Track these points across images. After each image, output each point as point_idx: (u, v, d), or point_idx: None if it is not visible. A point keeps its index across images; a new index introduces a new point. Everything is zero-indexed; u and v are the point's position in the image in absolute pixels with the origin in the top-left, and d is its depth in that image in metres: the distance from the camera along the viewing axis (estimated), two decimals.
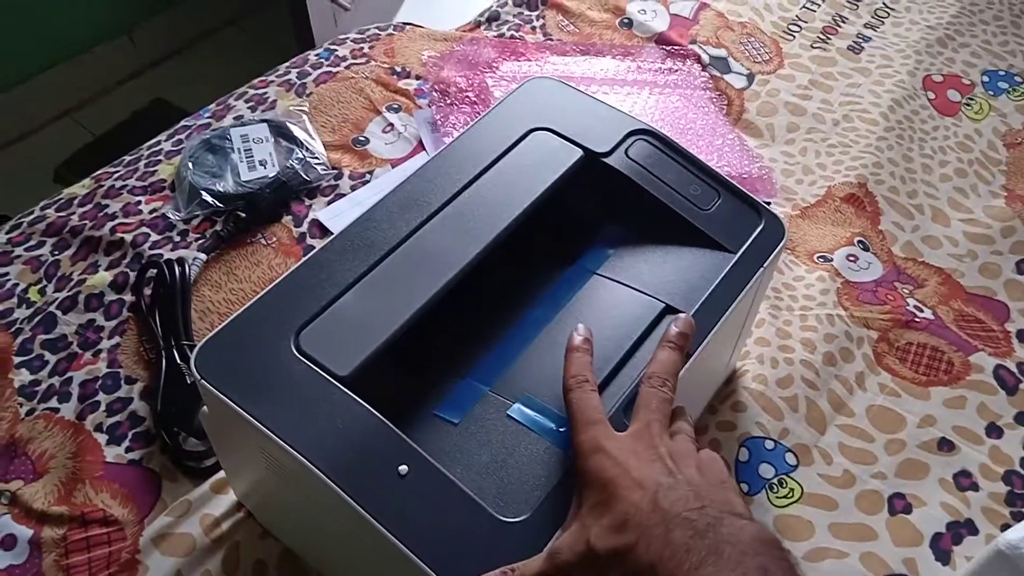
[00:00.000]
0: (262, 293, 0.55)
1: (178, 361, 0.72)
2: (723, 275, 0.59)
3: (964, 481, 0.69)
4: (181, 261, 0.78)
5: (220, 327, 0.53)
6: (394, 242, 0.57)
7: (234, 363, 0.52)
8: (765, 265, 0.60)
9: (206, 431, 0.59)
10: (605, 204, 0.64)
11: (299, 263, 0.57)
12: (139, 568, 0.63)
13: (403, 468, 0.48)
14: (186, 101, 1.96)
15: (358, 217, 0.59)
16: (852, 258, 0.83)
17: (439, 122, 0.91)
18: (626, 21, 1.08)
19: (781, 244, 0.61)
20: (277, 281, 0.55)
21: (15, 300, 0.79)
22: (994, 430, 0.72)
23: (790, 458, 0.69)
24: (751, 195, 0.63)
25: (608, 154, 0.63)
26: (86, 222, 0.85)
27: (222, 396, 0.50)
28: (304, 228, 0.84)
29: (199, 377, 0.51)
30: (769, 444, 0.69)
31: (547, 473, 0.50)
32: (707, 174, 0.64)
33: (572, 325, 0.58)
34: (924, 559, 0.64)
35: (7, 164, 1.86)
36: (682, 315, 0.55)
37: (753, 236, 0.61)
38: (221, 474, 0.67)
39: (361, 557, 0.54)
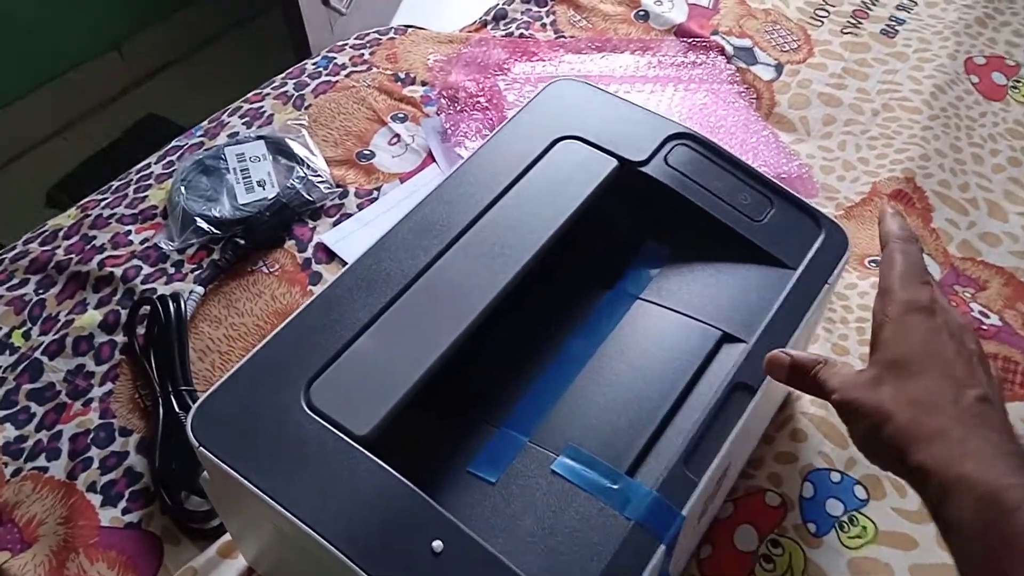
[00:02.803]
0: (265, 340, 0.48)
1: (176, 410, 0.66)
2: (785, 295, 0.52)
3: None
4: (176, 296, 0.71)
5: (219, 383, 0.47)
6: (412, 274, 0.50)
7: (236, 424, 0.45)
8: (830, 281, 0.53)
9: (208, 497, 0.53)
10: (645, 219, 0.57)
11: (306, 304, 0.50)
12: None
13: (437, 544, 0.41)
14: (179, 115, 1.90)
15: (370, 247, 0.52)
16: None
17: (449, 131, 0.84)
18: (642, 13, 1.01)
19: (846, 256, 0.55)
20: (281, 326, 0.49)
21: None
22: None
23: (859, 491, 0.62)
24: (807, 202, 0.56)
25: (645, 162, 0.56)
26: (72, 256, 0.78)
27: (223, 465, 0.44)
28: (309, 253, 0.78)
29: (196, 443, 0.44)
30: (835, 476, 0.62)
31: (603, 539, 0.43)
32: (757, 180, 0.57)
33: (617, 359, 0.51)
34: None
35: None
36: (889, 211, 0.48)
37: (814, 249, 0.54)
38: (228, 536, 0.61)
39: None
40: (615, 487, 0.45)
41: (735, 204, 0.56)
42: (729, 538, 0.59)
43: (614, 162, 0.56)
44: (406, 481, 0.43)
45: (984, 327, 0.72)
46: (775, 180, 0.57)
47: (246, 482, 0.43)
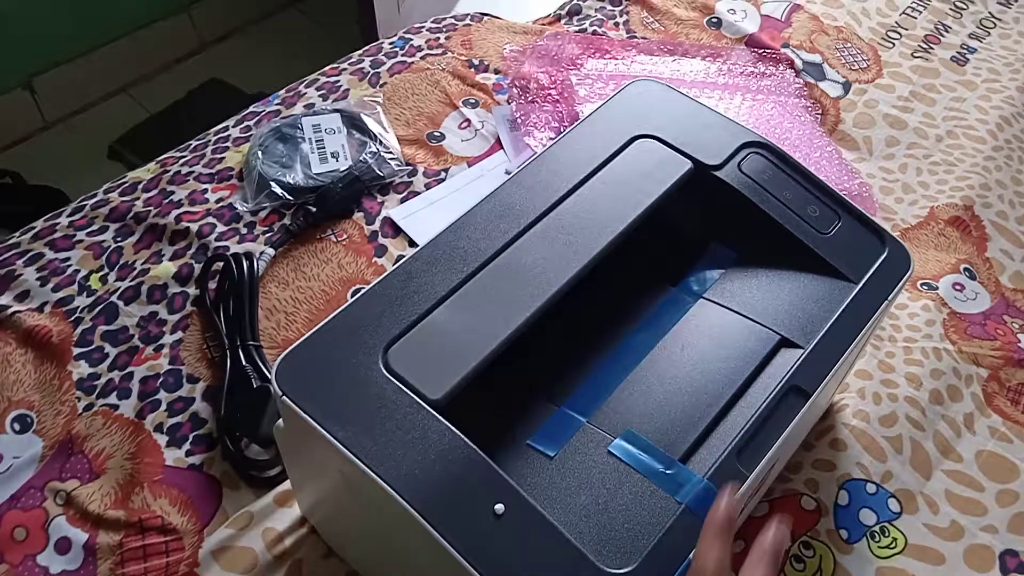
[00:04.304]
0: (348, 303, 0.51)
1: (243, 363, 0.69)
2: (844, 306, 0.54)
3: None
4: (249, 255, 0.75)
5: (303, 338, 0.49)
6: (489, 254, 0.53)
7: (317, 378, 0.48)
8: (890, 298, 0.55)
9: (278, 445, 0.55)
10: (714, 221, 0.59)
11: (387, 272, 0.52)
12: None
13: (499, 507, 0.43)
14: (243, 81, 1.94)
15: (450, 225, 0.55)
16: (958, 287, 0.77)
17: (519, 120, 0.86)
18: (714, 20, 1.02)
19: (907, 275, 0.56)
20: (364, 291, 0.51)
21: (75, 287, 0.76)
22: None
23: (893, 504, 0.64)
24: (873, 219, 0.58)
25: (719, 167, 0.58)
26: (151, 208, 0.82)
27: (304, 415, 0.46)
28: (376, 226, 0.80)
29: (279, 392, 0.47)
30: (871, 488, 0.64)
31: (654, 519, 0.45)
32: (826, 194, 0.59)
33: (677, 353, 0.53)
34: None
35: (63, 138, 1.85)
36: (775, 524, 0.44)
37: (876, 265, 0.56)
38: (285, 486, 0.64)
39: None
40: (668, 472, 0.47)
41: (803, 215, 0.58)
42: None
43: (689, 164, 0.58)
44: (473, 445, 0.45)
45: None
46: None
47: (324, 431, 0.45)
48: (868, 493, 0.63)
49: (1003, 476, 0.66)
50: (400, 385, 0.47)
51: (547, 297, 0.51)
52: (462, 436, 0.45)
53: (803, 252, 0.56)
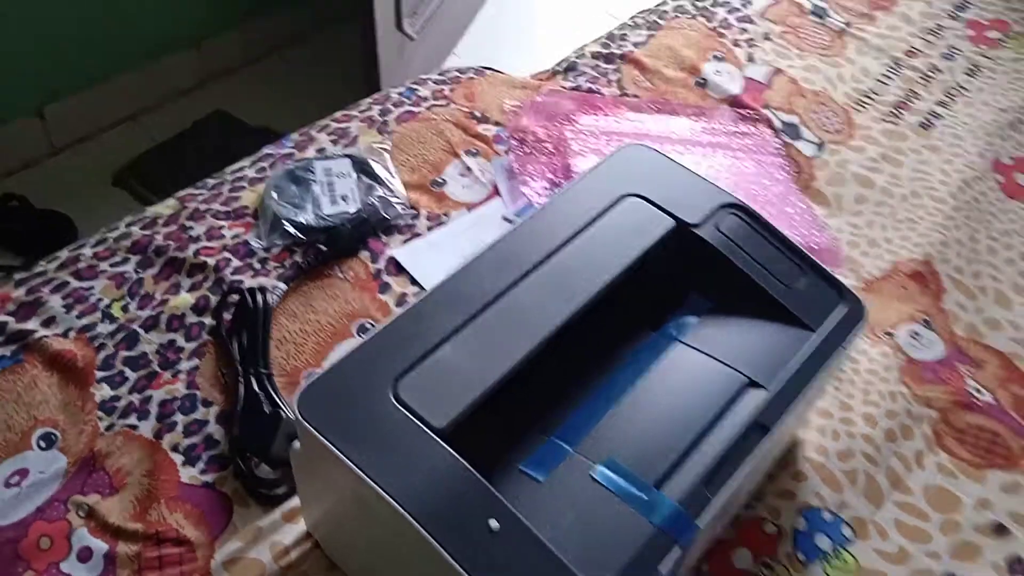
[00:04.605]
0: (364, 339, 0.57)
1: (256, 389, 0.75)
2: (804, 352, 0.60)
3: (1017, 567, 0.69)
4: (263, 289, 0.80)
5: (322, 372, 0.55)
6: (490, 297, 0.59)
7: (334, 407, 0.54)
8: (845, 345, 0.62)
9: (293, 466, 0.61)
10: (692, 273, 0.66)
11: (399, 312, 0.58)
12: None
13: (494, 523, 0.49)
14: (246, 114, 2.00)
15: (455, 271, 0.61)
16: (915, 336, 0.84)
17: (516, 170, 0.93)
18: (701, 81, 1.10)
19: (860, 325, 0.63)
20: (378, 328, 0.57)
21: (99, 315, 0.82)
22: None
23: (847, 531, 0.70)
24: (834, 275, 0.65)
25: (699, 225, 0.65)
26: (170, 243, 0.87)
27: (322, 439, 0.52)
28: (380, 265, 0.87)
29: (301, 418, 0.53)
30: (827, 515, 0.70)
31: (630, 538, 0.51)
32: (793, 251, 0.65)
33: (655, 390, 0.60)
34: None
35: (69, 164, 1.91)
36: None
37: (834, 315, 0.63)
38: (292, 502, 0.69)
39: None
40: (644, 497, 0.53)
41: (771, 270, 0.64)
42: (728, 558, 0.67)
43: (671, 222, 0.65)
44: (472, 469, 0.51)
45: (978, 403, 0.79)
46: (806, 250, 0.66)
47: (340, 454, 0.51)
48: (824, 520, 0.70)
49: (947, 508, 0.72)
50: (408, 414, 0.53)
51: (541, 338, 0.57)
52: (462, 460, 0.51)
53: (770, 303, 0.63)
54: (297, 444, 0.58)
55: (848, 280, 0.89)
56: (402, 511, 0.49)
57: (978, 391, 0.81)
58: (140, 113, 2.03)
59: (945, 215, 0.96)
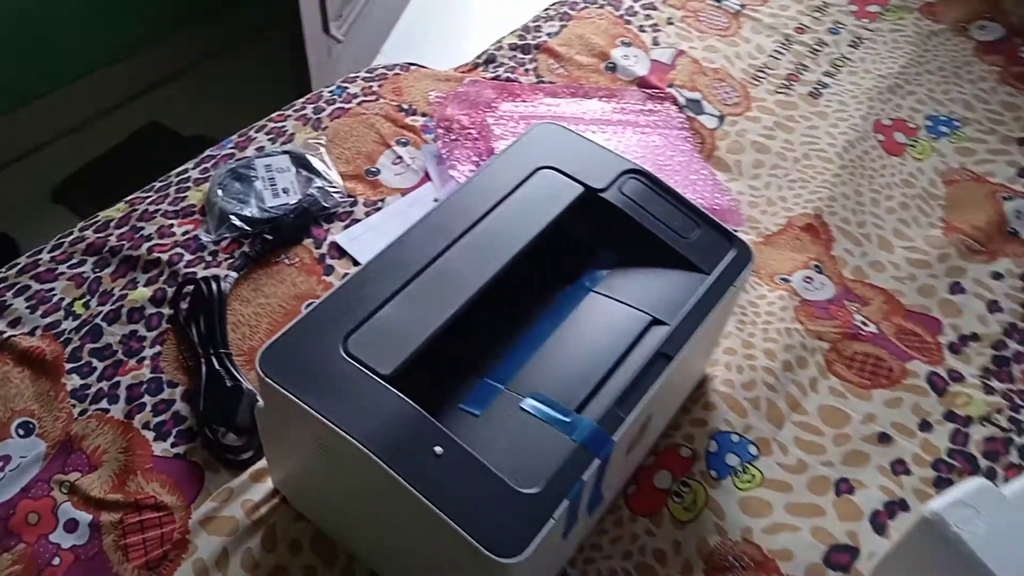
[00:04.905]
0: (313, 306, 0.64)
1: (216, 367, 0.81)
2: (700, 293, 0.70)
3: (899, 468, 0.80)
4: (216, 278, 0.87)
5: (278, 335, 0.63)
6: (424, 263, 0.67)
7: (291, 364, 0.61)
8: (735, 284, 0.71)
9: (258, 425, 0.68)
10: (601, 232, 0.75)
11: (343, 281, 0.66)
12: (189, 546, 0.72)
13: (438, 449, 0.57)
14: (181, 124, 2.04)
15: (391, 242, 0.69)
16: (808, 280, 0.95)
17: (444, 156, 1.01)
18: (611, 65, 1.19)
19: (748, 267, 0.72)
20: (326, 295, 0.65)
21: (62, 313, 0.88)
22: (925, 426, 0.84)
23: (752, 449, 0.80)
24: (724, 225, 0.74)
25: (604, 190, 0.74)
26: (124, 243, 0.93)
27: (284, 391, 0.60)
28: (324, 250, 0.94)
29: (263, 375, 0.61)
30: (735, 437, 0.80)
31: (555, 454, 0.60)
32: (688, 208, 0.75)
33: (574, 333, 0.68)
34: (864, 532, 0.76)
35: (6, 184, 1.93)
36: None
37: (725, 260, 0.72)
38: (258, 465, 0.77)
39: (394, 532, 0.64)
40: (567, 420, 0.61)
41: (669, 225, 0.73)
42: (650, 479, 0.77)
43: (580, 188, 0.74)
44: (416, 406, 0.59)
45: (863, 333, 0.90)
46: (707, 210, 0.75)
47: (301, 403, 0.59)
48: (732, 442, 0.80)
49: (839, 423, 0.83)
50: (358, 365, 0.61)
51: (471, 294, 0.66)
52: (408, 400, 0.59)
53: (669, 253, 0.72)
54: (261, 403, 0.65)
55: (748, 236, 0.99)
56: (358, 444, 0.57)
57: (864, 324, 0.92)
58: (75, 129, 2.05)
59: (833, 173, 1.06)
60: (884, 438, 0.82)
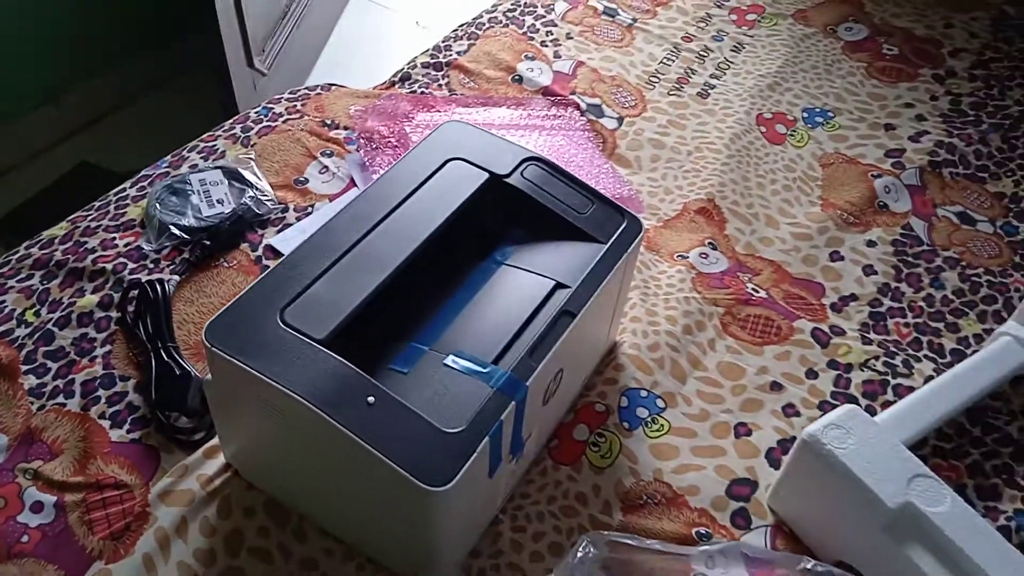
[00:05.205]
0: (251, 285, 0.72)
1: (166, 359, 0.88)
2: (597, 259, 0.79)
3: (790, 411, 0.91)
4: (160, 281, 0.94)
5: (222, 310, 0.70)
6: (348, 245, 0.76)
7: (236, 335, 0.69)
8: (628, 251, 0.81)
9: (207, 396, 0.76)
10: (508, 213, 0.84)
11: (276, 263, 0.74)
12: (150, 518, 0.78)
13: (371, 399, 0.66)
14: (113, 162, 2.08)
15: (318, 229, 0.77)
16: (704, 256, 1.05)
17: (367, 163, 1.10)
18: (517, 77, 1.29)
19: (640, 236, 0.82)
20: (262, 276, 0.73)
21: (14, 322, 0.93)
22: (811, 374, 0.94)
23: (660, 402, 0.89)
24: (616, 201, 0.84)
25: (508, 175, 0.84)
26: (69, 256, 1.00)
27: (230, 358, 0.67)
28: (259, 252, 1.01)
29: (209, 345, 0.68)
30: (643, 393, 0.90)
31: (475, 399, 0.68)
32: (582, 188, 0.85)
33: (488, 299, 0.77)
34: (761, 466, 0.86)
35: None
36: None
37: (618, 231, 0.82)
38: (211, 443, 0.83)
39: (337, 481, 0.71)
40: (484, 370, 0.70)
41: (567, 203, 0.83)
42: (570, 433, 0.86)
43: (486, 175, 0.83)
44: (351, 365, 0.67)
45: (755, 299, 1.01)
46: (605, 194, 0.85)
47: (246, 367, 0.66)
48: (641, 397, 0.89)
49: (735, 376, 0.93)
50: (295, 333, 0.69)
51: (391, 271, 0.74)
52: (343, 360, 0.67)
53: (569, 228, 0.82)
54: (209, 376, 0.72)
55: (649, 221, 1.10)
56: (299, 399, 0.65)
57: (755, 290, 1.03)
58: (5, 172, 2.07)
59: (722, 163, 1.18)
60: (776, 386, 0.93)
